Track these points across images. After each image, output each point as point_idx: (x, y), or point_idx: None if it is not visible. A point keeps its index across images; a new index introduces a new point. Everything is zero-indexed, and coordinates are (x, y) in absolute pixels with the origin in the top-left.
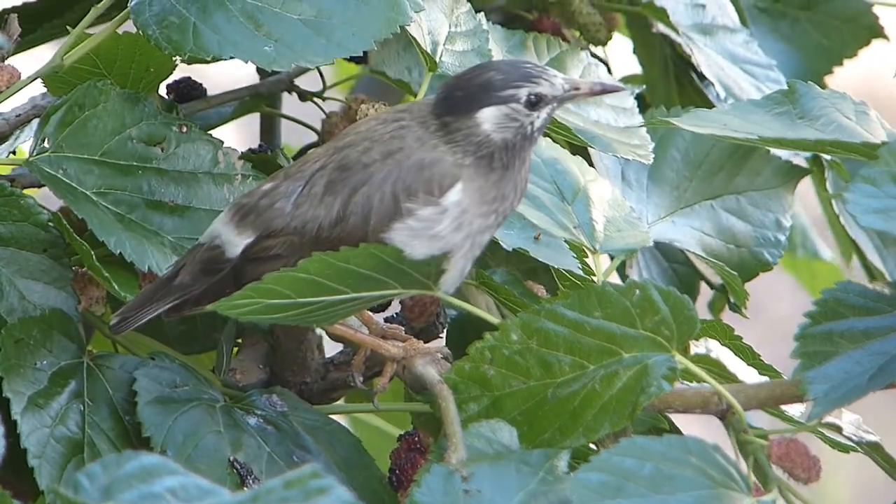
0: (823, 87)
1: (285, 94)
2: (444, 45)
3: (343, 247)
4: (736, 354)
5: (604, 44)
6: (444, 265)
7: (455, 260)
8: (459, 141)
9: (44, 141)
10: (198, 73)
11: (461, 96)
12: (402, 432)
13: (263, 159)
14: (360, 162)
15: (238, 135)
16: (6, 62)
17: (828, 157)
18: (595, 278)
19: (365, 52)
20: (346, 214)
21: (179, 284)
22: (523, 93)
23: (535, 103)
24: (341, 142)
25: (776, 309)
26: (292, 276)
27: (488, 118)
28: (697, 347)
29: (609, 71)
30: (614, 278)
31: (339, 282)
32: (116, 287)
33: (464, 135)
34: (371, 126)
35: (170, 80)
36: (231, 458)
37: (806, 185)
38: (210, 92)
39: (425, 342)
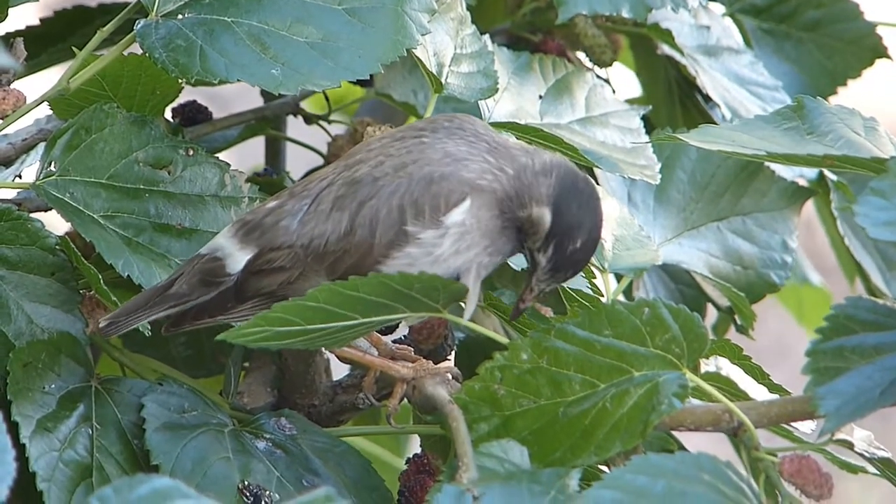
0: None
1: (290, 118)
2: (449, 66)
3: (348, 259)
4: (746, 374)
5: (609, 65)
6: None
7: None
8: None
9: (50, 164)
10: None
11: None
12: (411, 454)
13: (269, 182)
14: (370, 175)
15: (242, 158)
16: (12, 86)
17: (833, 177)
18: (603, 298)
19: (371, 75)
20: (353, 227)
21: (175, 293)
22: None
23: None
24: (351, 159)
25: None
26: (301, 305)
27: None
28: (707, 366)
29: (613, 92)
30: (620, 299)
31: (348, 309)
32: None
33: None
34: (386, 143)
35: (175, 103)
36: (240, 486)
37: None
38: (222, 96)
39: (434, 363)
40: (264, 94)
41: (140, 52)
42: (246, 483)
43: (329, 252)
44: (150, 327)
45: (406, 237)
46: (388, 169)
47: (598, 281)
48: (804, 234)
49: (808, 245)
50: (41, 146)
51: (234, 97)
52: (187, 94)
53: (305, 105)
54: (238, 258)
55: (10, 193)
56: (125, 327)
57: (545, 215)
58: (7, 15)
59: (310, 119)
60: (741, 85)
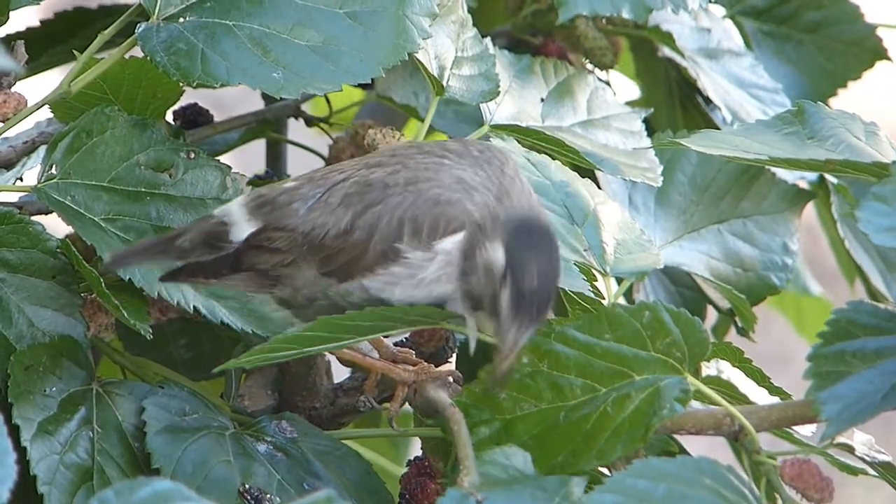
0: None
1: (291, 120)
2: (450, 69)
3: (341, 258)
4: (747, 377)
5: (610, 67)
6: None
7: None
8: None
9: (51, 167)
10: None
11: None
12: (412, 457)
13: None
14: (383, 182)
15: (243, 161)
16: (13, 89)
17: (834, 180)
18: (605, 301)
19: (372, 78)
20: (352, 228)
21: (179, 247)
22: None
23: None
24: (373, 159)
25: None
26: (298, 336)
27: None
28: (708, 369)
29: (613, 95)
30: (621, 302)
31: (345, 333)
32: (125, 314)
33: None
34: (411, 152)
35: (176, 106)
36: (240, 489)
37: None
38: (223, 100)
39: (435, 366)
40: (265, 97)
41: (141, 55)
42: (247, 486)
43: (325, 246)
44: (150, 330)
45: (396, 253)
46: (400, 179)
47: (600, 284)
48: (807, 240)
49: (811, 251)
50: (42, 149)
51: (235, 100)
52: (188, 97)
53: (306, 108)
54: (243, 228)
55: (12, 197)
56: (128, 265)
57: (497, 253)
58: (8, 17)
59: (311, 122)
60: (741, 87)
